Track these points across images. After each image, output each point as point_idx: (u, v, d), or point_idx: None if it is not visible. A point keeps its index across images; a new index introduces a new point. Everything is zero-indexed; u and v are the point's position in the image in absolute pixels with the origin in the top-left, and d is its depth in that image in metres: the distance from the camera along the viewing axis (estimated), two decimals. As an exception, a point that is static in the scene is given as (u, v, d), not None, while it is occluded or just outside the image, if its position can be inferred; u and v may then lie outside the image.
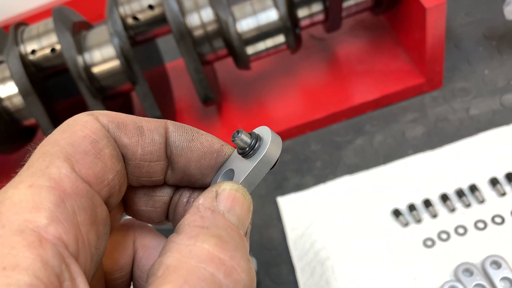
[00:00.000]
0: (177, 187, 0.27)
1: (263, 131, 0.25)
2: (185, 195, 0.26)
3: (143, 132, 0.23)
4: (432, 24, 0.56)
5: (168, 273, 0.18)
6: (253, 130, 0.25)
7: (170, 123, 0.24)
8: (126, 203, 0.26)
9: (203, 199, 0.22)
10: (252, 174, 0.24)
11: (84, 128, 0.21)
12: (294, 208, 0.59)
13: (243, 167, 0.24)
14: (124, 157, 0.23)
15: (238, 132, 0.24)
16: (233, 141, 0.24)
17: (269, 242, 0.57)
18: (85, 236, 0.19)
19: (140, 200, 0.26)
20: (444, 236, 0.51)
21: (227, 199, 0.22)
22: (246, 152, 0.24)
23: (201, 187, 0.26)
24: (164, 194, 0.26)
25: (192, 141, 0.24)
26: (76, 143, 0.21)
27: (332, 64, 0.71)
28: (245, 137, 0.24)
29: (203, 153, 0.24)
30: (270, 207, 0.61)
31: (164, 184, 0.26)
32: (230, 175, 0.25)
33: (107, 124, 0.23)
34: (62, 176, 0.19)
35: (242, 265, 0.20)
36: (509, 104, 0.59)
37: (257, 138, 0.24)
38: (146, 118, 0.24)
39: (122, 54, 0.57)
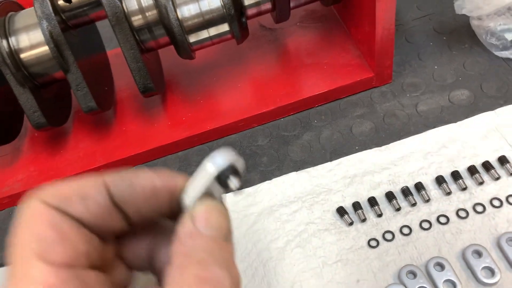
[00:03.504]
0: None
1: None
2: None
3: (86, 200, 0.25)
4: (382, 16, 0.54)
5: None
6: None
7: (107, 177, 0.26)
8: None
9: (181, 227, 0.25)
10: (201, 183, 0.26)
11: (38, 217, 0.23)
12: (238, 205, 0.56)
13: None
14: (84, 225, 0.25)
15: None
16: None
17: (210, 242, 0.55)
18: None
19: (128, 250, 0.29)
20: (388, 236, 0.49)
21: (201, 217, 0.25)
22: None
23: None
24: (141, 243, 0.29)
25: (131, 186, 0.26)
26: (41, 237, 0.22)
27: (281, 55, 0.68)
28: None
29: (148, 195, 0.26)
30: (213, 205, 0.58)
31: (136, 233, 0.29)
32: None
33: (56, 204, 0.24)
34: (44, 275, 0.21)
35: (224, 275, 0.23)
36: (457, 101, 0.59)
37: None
38: (85, 180, 0.25)
39: (52, 39, 0.53)
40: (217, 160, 0.26)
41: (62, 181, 0.25)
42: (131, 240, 0.29)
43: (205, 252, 0.24)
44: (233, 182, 0.27)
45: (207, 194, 0.27)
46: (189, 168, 0.62)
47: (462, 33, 0.65)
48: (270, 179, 0.57)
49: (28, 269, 0.22)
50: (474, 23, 0.63)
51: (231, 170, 0.27)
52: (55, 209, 0.24)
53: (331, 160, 0.57)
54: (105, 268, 0.26)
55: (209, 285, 0.22)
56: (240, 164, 0.27)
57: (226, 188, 0.27)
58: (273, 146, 0.61)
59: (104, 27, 0.68)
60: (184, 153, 0.64)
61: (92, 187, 0.25)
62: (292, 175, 0.57)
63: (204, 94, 0.67)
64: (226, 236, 0.26)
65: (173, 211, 0.28)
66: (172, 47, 0.58)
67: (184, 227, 0.25)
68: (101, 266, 0.25)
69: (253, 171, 0.59)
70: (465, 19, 0.64)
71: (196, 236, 0.24)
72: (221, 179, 0.27)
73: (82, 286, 0.22)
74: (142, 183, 0.26)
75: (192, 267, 0.23)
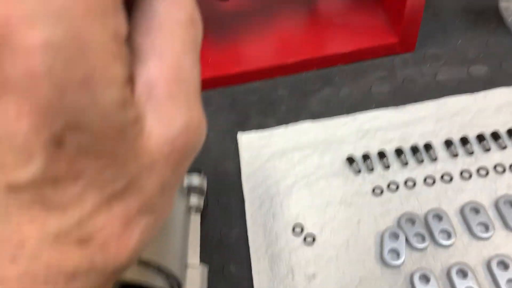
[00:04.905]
0: None
1: None
2: None
3: None
4: (416, -18, 0.56)
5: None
6: None
7: None
8: None
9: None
10: None
11: None
12: (252, 145, 0.59)
13: None
14: None
15: None
16: None
17: (223, 174, 0.57)
18: None
19: None
20: (393, 186, 0.52)
21: None
22: None
23: None
24: None
25: None
26: None
27: (311, 12, 0.70)
28: None
29: None
30: (229, 141, 0.60)
31: None
32: None
33: None
34: None
35: None
36: (475, 75, 0.61)
37: None
38: None
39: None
40: None
41: None
42: None
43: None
44: None
45: None
46: (209, 108, 0.65)
47: (489, 14, 0.67)
48: (286, 125, 0.60)
49: None
50: (503, 5, 0.65)
51: None
52: None
53: (347, 114, 0.59)
54: None
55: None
56: None
57: None
58: (293, 97, 0.63)
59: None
60: (206, 93, 0.66)
61: None
62: (308, 123, 0.59)
63: (232, 39, 0.69)
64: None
65: None
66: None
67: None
68: None
69: (271, 117, 0.62)
70: (495, 1, 0.66)
71: None
72: None
73: None
74: None
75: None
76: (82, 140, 0.14)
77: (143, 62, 0.17)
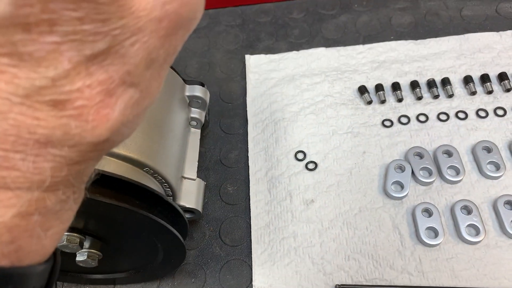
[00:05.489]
0: None
1: None
2: None
3: None
4: None
5: None
6: None
7: None
8: None
9: None
10: None
11: None
12: (261, 68, 0.56)
13: None
14: None
15: None
16: None
17: (227, 95, 0.55)
18: None
19: None
20: (404, 120, 0.49)
21: None
22: None
23: None
24: None
25: None
26: None
27: None
28: None
29: None
30: (236, 62, 0.57)
31: None
32: None
33: None
34: None
35: None
36: (504, 13, 0.57)
37: None
38: None
39: None
40: None
41: None
42: None
43: None
44: None
45: None
46: (217, 27, 0.61)
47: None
48: (298, 50, 0.57)
49: None
50: None
51: None
52: None
53: (363, 44, 0.56)
54: None
55: None
56: None
57: None
58: (307, 21, 0.60)
59: None
60: (215, 11, 0.63)
61: None
62: (321, 50, 0.56)
63: (248, -44, 0.64)
64: None
65: None
66: None
67: None
68: None
69: (282, 40, 0.59)
70: None
71: None
72: None
73: None
74: None
75: None
76: None
77: None
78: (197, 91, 0.43)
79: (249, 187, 0.47)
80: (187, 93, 0.43)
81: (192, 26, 0.16)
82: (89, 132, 0.14)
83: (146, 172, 0.34)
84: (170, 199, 0.33)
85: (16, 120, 0.13)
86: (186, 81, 0.44)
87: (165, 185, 0.36)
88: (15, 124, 0.13)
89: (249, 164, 0.49)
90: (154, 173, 0.35)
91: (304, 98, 0.52)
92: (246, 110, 0.53)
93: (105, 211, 0.29)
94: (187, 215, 0.41)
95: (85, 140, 0.14)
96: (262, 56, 0.57)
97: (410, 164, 0.46)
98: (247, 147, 0.50)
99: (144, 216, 0.30)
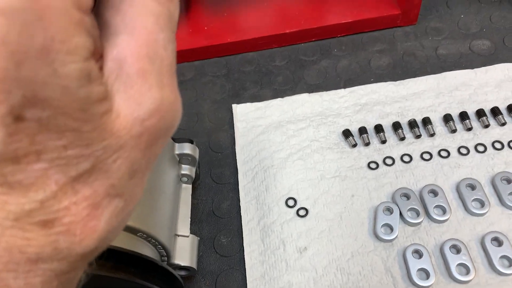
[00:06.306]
0: None
1: None
2: None
3: None
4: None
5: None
6: None
7: None
8: None
9: None
10: None
11: None
12: (247, 116, 0.57)
13: None
14: None
15: None
16: None
17: (216, 145, 0.56)
18: None
19: None
20: (389, 161, 0.51)
21: None
22: None
23: None
24: None
25: None
26: None
27: (311, -18, 0.68)
28: None
29: None
30: (224, 112, 0.59)
31: None
32: None
33: None
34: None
35: None
36: (477, 50, 0.59)
37: None
38: None
39: None
40: None
41: None
42: None
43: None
44: None
45: None
46: (203, 78, 0.63)
47: (494, -12, 0.65)
48: (282, 97, 0.59)
49: None
50: (508, -22, 0.63)
51: None
52: None
53: (344, 88, 0.58)
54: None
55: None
56: None
57: None
58: (290, 68, 0.62)
59: None
60: (201, 62, 0.65)
61: None
62: (304, 95, 0.58)
63: (229, 7, 0.67)
64: None
65: None
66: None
67: None
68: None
69: (267, 88, 0.60)
70: (500, -26, 0.64)
71: None
72: None
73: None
74: None
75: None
76: (43, 115, 0.13)
77: (113, 37, 0.16)
78: (187, 148, 0.44)
79: (242, 237, 0.48)
80: (176, 152, 0.44)
81: (171, 133, 0.17)
82: (77, 245, 0.15)
83: (140, 236, 0.35)
84: (164, 264, 0.34)
85: (8, 243, 0.14)
86: (175, 139, 0.45)
87: (159, 247, 0.37)
88: (7, 247, 0.14)
89: (241, 214, 0.50)
90: (148, 237, 0.35)
91: (291, 144, 0.54)
92: (236, 159, 0.54)
93: (102, 283, 0.30)
94: (182, 272, 0.42)
95: (74, 252, 0.15)
96: (248, 104, 0.59)
97: (398, 206, 0.47)
98: (239, 196, 0.51)
99: (140, 285, 0.31)
